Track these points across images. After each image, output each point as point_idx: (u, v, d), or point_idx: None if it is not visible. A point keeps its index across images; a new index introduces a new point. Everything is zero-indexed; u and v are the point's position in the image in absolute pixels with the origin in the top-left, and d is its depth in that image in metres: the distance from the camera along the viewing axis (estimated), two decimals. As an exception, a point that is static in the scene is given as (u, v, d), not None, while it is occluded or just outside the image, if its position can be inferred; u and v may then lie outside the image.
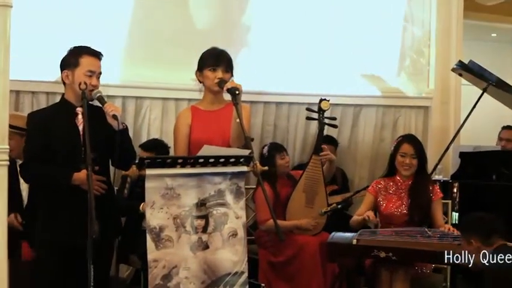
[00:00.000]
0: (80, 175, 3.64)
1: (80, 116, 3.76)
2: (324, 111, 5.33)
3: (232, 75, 4.20)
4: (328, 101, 5.32)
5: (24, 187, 4.98)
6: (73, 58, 3.84)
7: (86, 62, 3.81)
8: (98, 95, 3.76)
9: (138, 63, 5.85)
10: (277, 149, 5.36)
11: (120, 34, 5.73)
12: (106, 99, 3.80)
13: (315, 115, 5.37)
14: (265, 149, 5.33)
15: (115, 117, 3.60)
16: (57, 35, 5.40)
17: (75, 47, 3.89)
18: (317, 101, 5.39)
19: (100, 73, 3.87)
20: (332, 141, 6.18)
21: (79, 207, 3.45)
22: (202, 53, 4.29)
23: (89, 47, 3.91)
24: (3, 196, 3.19)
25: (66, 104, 3.87)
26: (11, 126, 4.85)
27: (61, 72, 3.88)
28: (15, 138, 4.83)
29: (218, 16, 6.09)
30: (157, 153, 5.21)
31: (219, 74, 4.13)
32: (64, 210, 3.70)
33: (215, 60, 4.18)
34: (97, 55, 3.88)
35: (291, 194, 5.19)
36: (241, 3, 6.18)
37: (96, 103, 3.83)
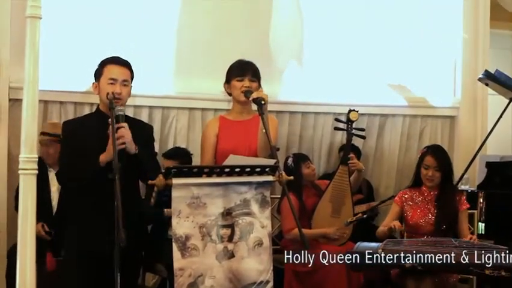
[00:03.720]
0: (105, 154, 3.65)
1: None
2: (352, 121, 5.33)
3: (259, 85, 4.23)
4: (357, 111, 5.32)
5: (54, 196, 5.06)
6: (99, 69, 3.90)
7: (107, 70, 3.84)
8: (119, 113, 3.73)
9: (165, 73, 5.89)
10: (301, 158, 5.37)
11: (147, 45, 5.76)
12: (123, 120, 3.73)
13: (343, 125, 5.37)
14: (290, 161, 5.33)
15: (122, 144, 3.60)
16: (86, 46, 5.48)
17: (103, 59, 3.94)
18: (343, 111, 5.41)
19: (125, 80, 3.86)
20: (355, 151, 6.19)
21: (106, 215, 3.47)
22: (229, 66, 4.33)
23: (115, 57, 3.94)
24: (32, 205, 3.23)
25: (100, 114, 3.91)
26: (50, 135, 4.96)
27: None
28: (54, 146, 4.92)
29: (244, 27, 6.10)
30: (180, 161, 5.25)
31: (246, 83, 4.18)
32: (92, 219, 3.72)
33: (241, 70, 4.23)
34: (119, 63, 3.89)
35: (317, 203, 5.20)
36: (268, 14, 6.19)
37: (127, 113, 3.85)
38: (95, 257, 3.65)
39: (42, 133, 5.11)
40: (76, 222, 3.83)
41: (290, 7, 6.25)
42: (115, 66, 3.86)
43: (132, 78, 3.96)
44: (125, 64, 3.92)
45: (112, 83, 3.81)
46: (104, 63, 3.90)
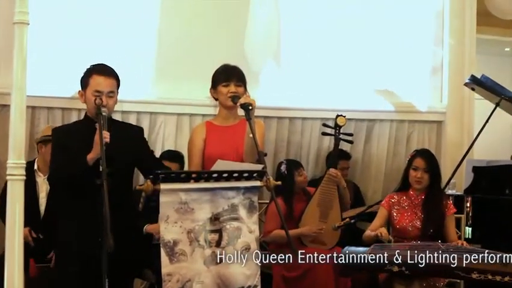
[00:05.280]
0: (92, 152, 3.64)
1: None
2: (340, 127, 5.36)
3: (245, 89, 4.23)
4: (344, 117, 5.34)
5: (42, 202, 5.06)
6: (85, 78, 3.87)
7: (93, 82, 3.82)
8: (104, 114, 3.70)
9: (152, 78, 5.90)
10: (294, 165, 5.38)
11: (134, 50, 5.77)
12: (105, 121, 3.70)
13: (331, 131, 5.39)
14: (283, 167, 5.33)
15: (106, 144, 3.56)
16: (73, 52, 5.48)
17: (89, 66, 3.92)
18: (330, 116, 5.43)
19: (111, 92, 3.84)
20: (346, 155, 6.24)
21: (97, 219, 3.46)
22: (214, 71, 4.33)
23: (101, 66, 3.92)
24: (20, 210, 3.22)
25: (88, 120, 3.91)
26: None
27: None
28: None
29: (233, 32, 6.13)
30: (180, 163, 5.42)
31: (232, 88, 4.18)
32: (83, 222, 3.71)
33: (226, 75, 4.23)
34: (105, 73, 3.87)
35: (305, 208, 5.21)
36: (257, 20, 6.21)
37: (116, 117, 3.84)
38: (84, 261, 3.65)
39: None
40: (66, 224, 3.84)
41: (274, 11, 6.27)
42: (100, 78, 3.83)
43: (118, 86, 3.95)
44: (111, 74, 3.90)
45: (97, 95, 3.79)
46: (90, 73, 3.87)
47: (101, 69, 3.89)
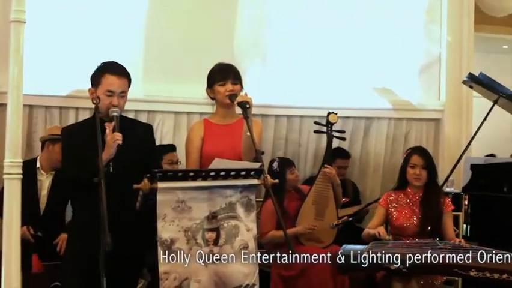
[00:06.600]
0: (105, 152, 3.61)
1: (107, 131, 3.68)
2: (332, 124, 5.35)
3: (241, 87, 4.22)
4: (336, 114, 5.34)
5: (43, 200, 5.06)
6: (97, 76, 3.83)
7: (106, 81, 3.79)
8: (114, 114, 3.72)
9: (150, 77, 5.88)
10: (287, 163, 5.38)
11: (132, 48, 5.76)
12: (117, 123, 3.72)
13: (324, 128, 5.39)
14: (275, 165, 5.33)
15: (118, 146, 3.60)
16: (70, 50, 5.47)
17: (101, 64, 3.88)
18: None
19: (123, 92, 3.82)
20: (344, 154, 6.22)
21: (99, 218, 3.44)
22: (209, 71, 4.31)
23: (113, 64, 3.89)
24: (17, 209, 3.22)
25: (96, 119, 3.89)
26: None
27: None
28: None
29: (230, 31, 6.12)
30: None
31: (229, 86, 4.16)
32: (88, 223, 3.70)
33: (223, 74, 4.21)
34: (117, 73, 3.83)
35: (300, 207, 5.21)
36: (253, 18, 6.21)
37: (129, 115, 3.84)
38: (90, 261, 3.63)
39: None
40: (76, 226, 3.88)
41: (264, 8, 6.27)
42: (113, 77, 3.80)
43: (129, 85, 3.93)
44: (123, 73, 3.87)
45: (109, 95, 3.77)
46: (102, 72, 3.83)
47: (114, 69, 3.86)
